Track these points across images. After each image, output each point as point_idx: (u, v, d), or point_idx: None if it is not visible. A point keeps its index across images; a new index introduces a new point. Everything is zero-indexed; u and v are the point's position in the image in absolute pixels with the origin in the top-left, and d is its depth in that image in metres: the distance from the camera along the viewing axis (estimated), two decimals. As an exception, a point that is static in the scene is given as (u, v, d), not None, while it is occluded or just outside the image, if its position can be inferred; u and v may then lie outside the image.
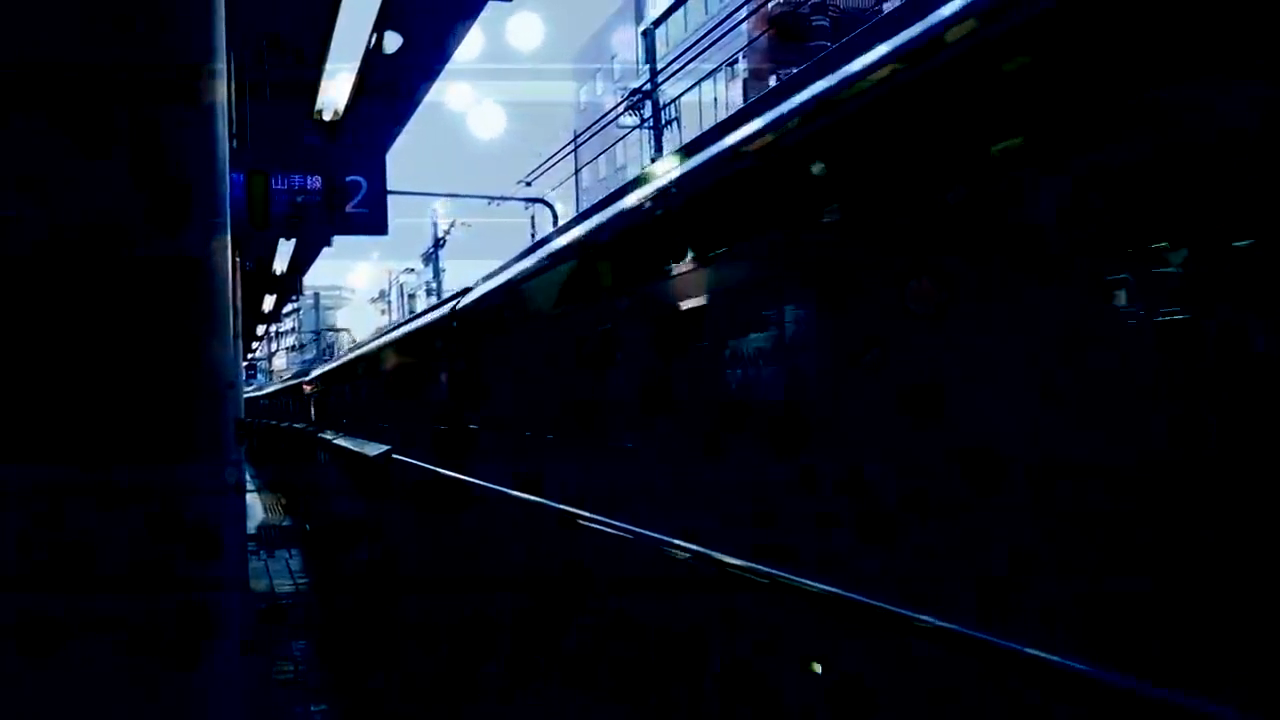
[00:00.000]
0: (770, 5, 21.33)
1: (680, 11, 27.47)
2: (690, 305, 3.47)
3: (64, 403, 2.03)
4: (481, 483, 5.34)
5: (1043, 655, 1.67)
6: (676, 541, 3.06)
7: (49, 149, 1.99)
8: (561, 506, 4.09)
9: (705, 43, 13.02)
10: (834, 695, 2.28)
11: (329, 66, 6.47)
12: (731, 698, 2.78)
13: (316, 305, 64.70)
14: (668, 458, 3.77)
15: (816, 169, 2.80)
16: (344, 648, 7.76)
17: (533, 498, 4.46)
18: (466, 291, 8.17)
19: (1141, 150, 1.69)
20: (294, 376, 27.97)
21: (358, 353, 13.14)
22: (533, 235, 26.74)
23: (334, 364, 16.26)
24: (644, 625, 3.38)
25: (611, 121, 18.55)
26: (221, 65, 2.11)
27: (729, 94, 25.67)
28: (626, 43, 34.21)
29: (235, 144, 7.00)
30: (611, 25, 34.26)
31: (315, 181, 7.95)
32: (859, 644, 2.19)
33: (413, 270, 44.95)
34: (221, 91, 2.09)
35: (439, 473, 6.38)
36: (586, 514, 3.80)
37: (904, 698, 2.07)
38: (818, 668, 2.35)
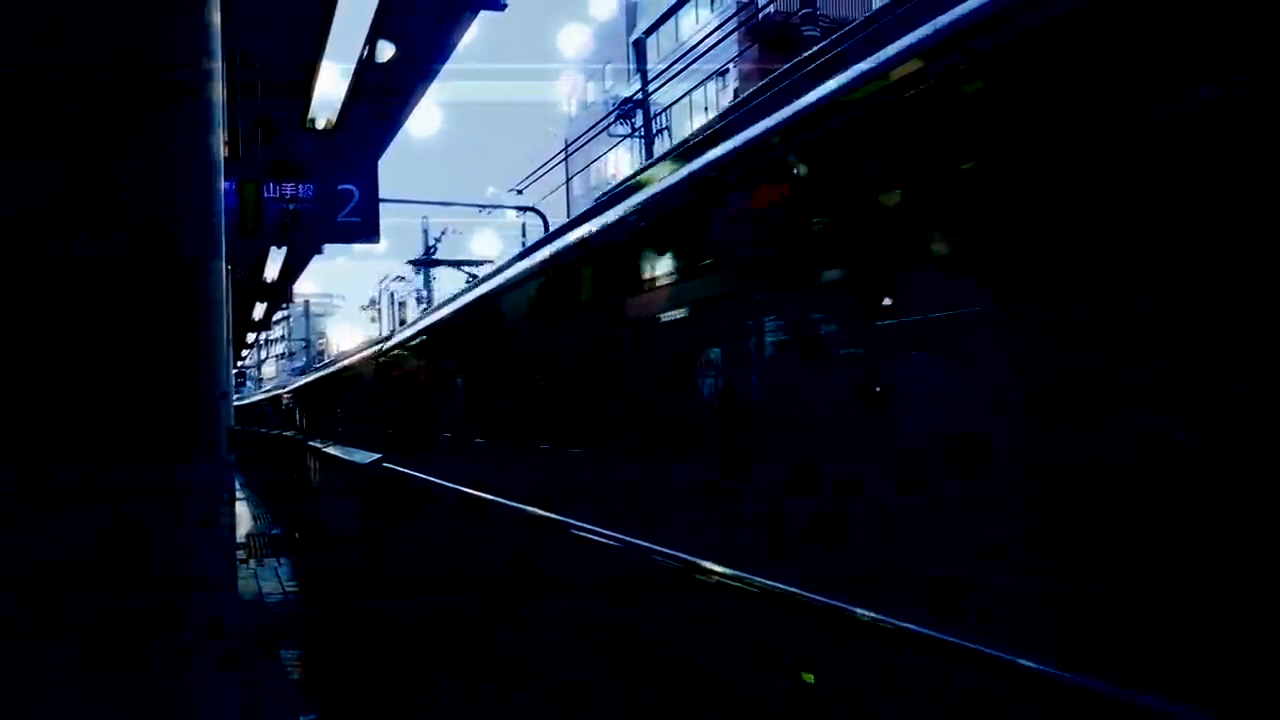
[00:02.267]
0: (760, 15, 21.43)
1: (671, 21, 27.56)
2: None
3: (56, 406, 2.03)
4: (474, 492, 5.33)
5: (1049, 670, 1.68)
6: (665, 550, 3.07)
7: (40, 150, 1.99)
8: (553, 515, 4.10)
9: (696, 53, 13.07)
10: (823, 703, 2.29)
11: (322, 75, 6.48)
12: (716, 700, 2.79)
13: (306, 313, 64.62)
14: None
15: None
16: (332, 656, 7.74)
17: (526, 507, 4.46)
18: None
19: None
20: (281, 385, 27.90)
21: (342, 364, 13.15)
22: (523, 242, 26.72)
23: (321, 373, 16.23)
24: (630, 629, 3.38)
25: (603, 130, 18.58)
26: (217, 69, 2.12)
27: (720, 101, 25.73)
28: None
29: (227, 152, 6.99)
30: (601, 32, 34.31)
31: (307, 189, 7.96)
32: (850, 652, 2.20)
33: (402, 278, 44.87)
34: (217, 95, 2.10)
35: (431, 482, 6.38)
36: (578, 523, 3.81)
37: (893, 704, 2.08)
38: (808, 675, 2.36)
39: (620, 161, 27.87)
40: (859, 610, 2.13)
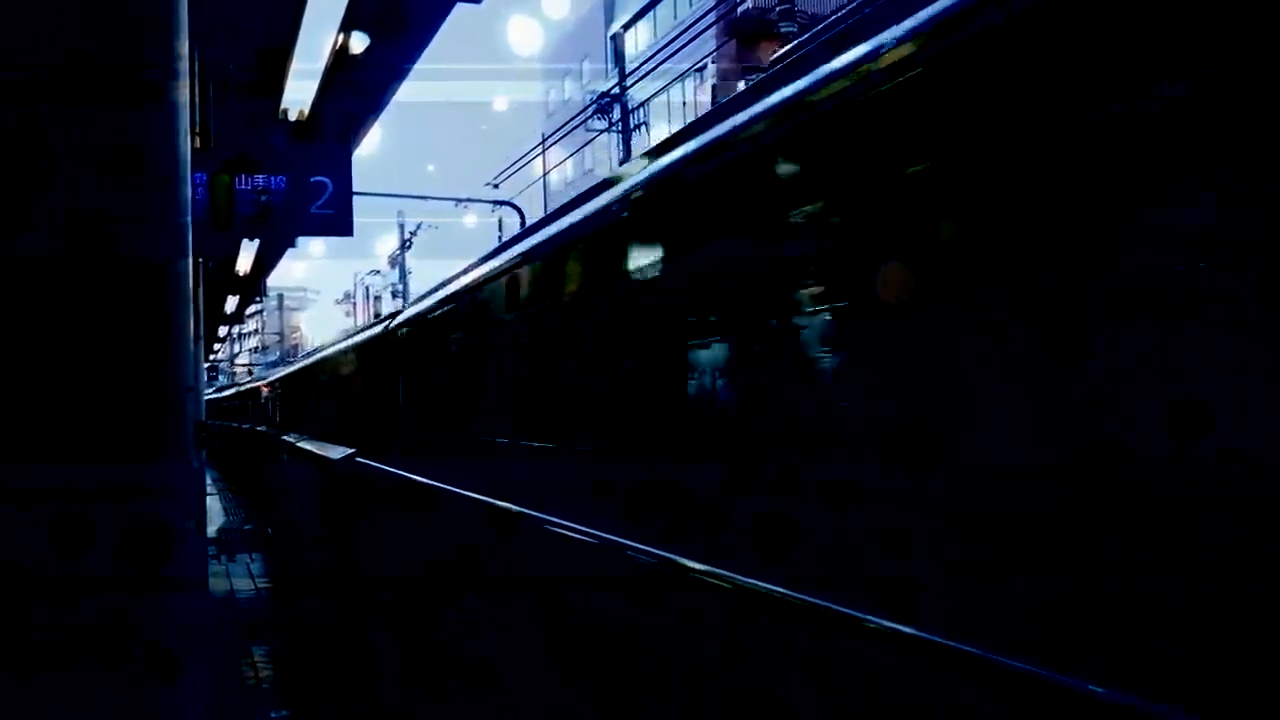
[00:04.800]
0: (739, 10, 21.44)
1: (649, 17, 27.55)
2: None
3: (17, 404, 1.99)
4: (451, 489, 5.31)
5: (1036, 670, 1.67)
6: (641, 547, 3.06)
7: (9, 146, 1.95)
8: (529, 512, 4.08)
9: (673, 48, 13.05)
10: (803, 704, 2.28)
11: (295, 66, 6.42)
12: (691, 696, 2.79)
13: (280, 306, 64.28)
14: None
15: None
16: (305, 653, 7.69)
17: (501, 503, 4.44)
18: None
19: None
20: (256, 378, 27.70)
21: (315, 358, 13.08)
22: (500, 237, 26.67)
23: (294, 367, 16.12)
24: (603, 625, 3.37)
25: (581, 124, 18.55)
26: (184, 67, 2.09)
27: (698, 96, 25.76)
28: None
29: (198, 143, 6.91)
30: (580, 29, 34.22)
31: (280, 182, 7.88)
32: (831, 651, 2.20)
33: (378, 272, 44.72)
34: (184, 89, 2.07)
35: (407, 478, 6.34)
36: (555, 519, 3.79)
37: (874, 706, 2.08)
38: (783, 675, 2.35)
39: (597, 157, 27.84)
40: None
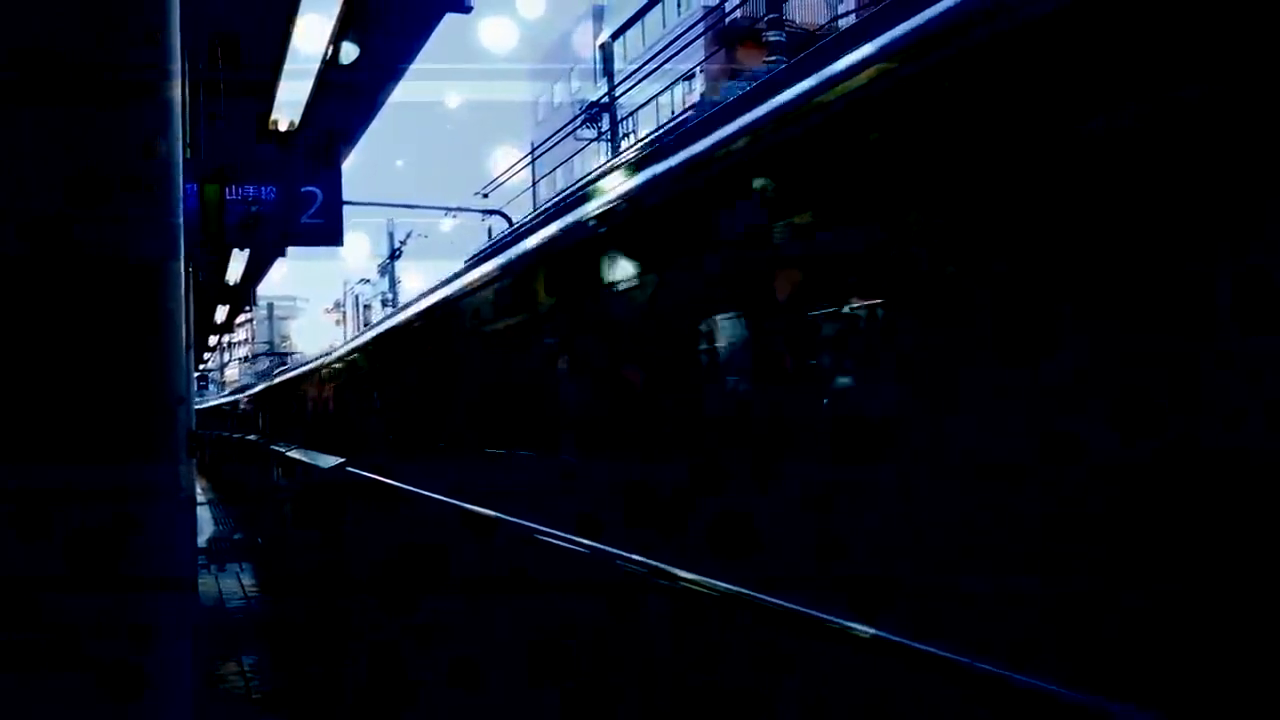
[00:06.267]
0: (727, 19, 21.51)
1: (639, 25, 27.62)
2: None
3: (7, 405, 2.00)
4: (440, 497, 5.31)
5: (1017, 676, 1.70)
6: (633, 556, 3.08)
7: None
8: (519, 521, 4.09)
9: (662, 57, 13.09)
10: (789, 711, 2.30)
11: (285, 75, 6.43)
12: (678, 704, 2.80)
13: (270, 316, 64.09)
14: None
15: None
16: (294, 661, 7.67)
17: (491, 512, 4.45)
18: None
19: None
20: (244, 388, 27.61)
21: (302, 369, 13.07)
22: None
23: (282, 378, 16.10)
24: (591, 631, 3.39)
25: (569, 134, 18.57)
26: (176, 68, 2.10)
27: (686, 101, 25.80)
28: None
29: (189, 153, 6.91)
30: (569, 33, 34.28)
31: (270, 191, 7.89)
32: (817, 658, 2.22)
33: (368, 281, 44.58)
34: (176, 94, 2.08)
35: (398, 487, 6.35)
36: (544, 529, 3.80)
37: (856, 713, 2.10)
38: (766, 681, 2.37)
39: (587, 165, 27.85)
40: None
